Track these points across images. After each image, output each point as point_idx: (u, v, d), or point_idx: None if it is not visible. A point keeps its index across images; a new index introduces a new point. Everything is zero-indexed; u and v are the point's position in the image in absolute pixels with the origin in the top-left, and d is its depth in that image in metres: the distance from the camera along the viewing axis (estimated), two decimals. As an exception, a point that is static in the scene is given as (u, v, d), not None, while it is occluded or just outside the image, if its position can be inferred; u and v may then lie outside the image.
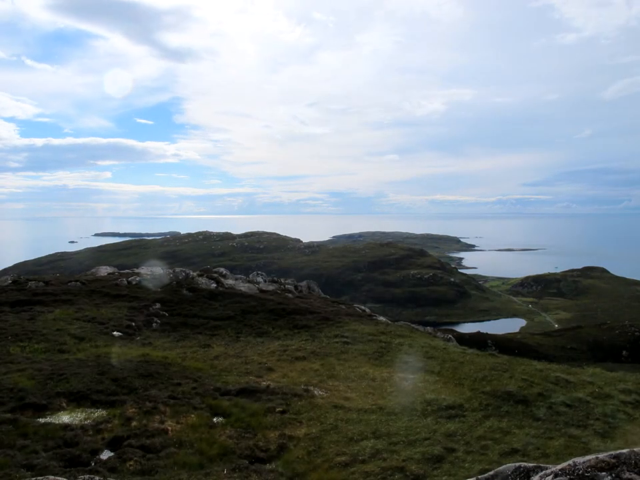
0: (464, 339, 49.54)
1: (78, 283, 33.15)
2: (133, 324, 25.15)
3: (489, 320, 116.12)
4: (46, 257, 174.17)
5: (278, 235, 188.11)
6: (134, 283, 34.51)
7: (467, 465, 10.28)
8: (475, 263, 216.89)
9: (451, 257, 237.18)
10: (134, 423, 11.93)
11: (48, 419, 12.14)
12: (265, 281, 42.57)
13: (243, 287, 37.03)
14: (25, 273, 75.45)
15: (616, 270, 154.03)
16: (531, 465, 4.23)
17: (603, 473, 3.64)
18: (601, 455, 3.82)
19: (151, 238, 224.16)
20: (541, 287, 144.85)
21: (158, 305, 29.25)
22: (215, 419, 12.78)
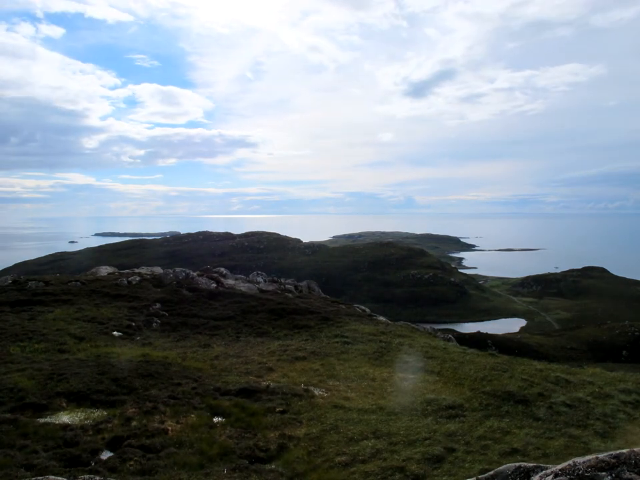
0: (464, 339, 49.58)
1: (78, 282, 33.15)
2: (133, 324, 25.16)
3: (489, 320, 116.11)
4: (46, 256, 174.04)
5: (278, 235, 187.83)
6: (134, 282, 34.53)
7: (467, 464, 10.28)
8: (475, 263, 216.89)
9: (451, 257, 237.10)
10: (134, 423, 11.94)
11: (48, 419, 12.15)
12: (265, 281, 42.56)
13: (243, 286, 37.04)
14: (25, 273, 75.42)
15: (616, 270, 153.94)
16: (531, 464, 4.22)
17: (603, 473, 3.63)
18: (601, 455, 3.82)
19: (151, 238, 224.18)
20: (541, 287, 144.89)
21: (158, 305, 29.27)
22: (214, 419, 12.78)
